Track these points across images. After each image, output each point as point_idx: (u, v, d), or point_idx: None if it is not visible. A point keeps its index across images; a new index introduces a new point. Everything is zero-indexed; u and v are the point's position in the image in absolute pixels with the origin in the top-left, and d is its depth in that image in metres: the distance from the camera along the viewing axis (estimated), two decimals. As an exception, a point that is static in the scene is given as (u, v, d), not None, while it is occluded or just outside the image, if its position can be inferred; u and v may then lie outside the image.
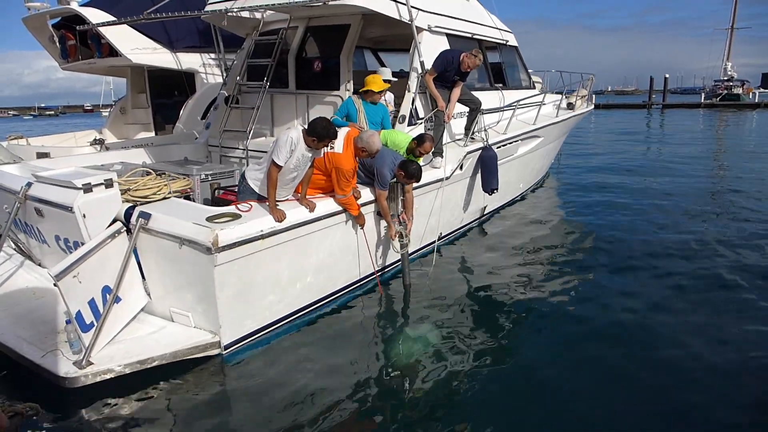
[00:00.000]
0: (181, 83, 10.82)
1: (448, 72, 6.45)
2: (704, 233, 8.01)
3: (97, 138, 10.31)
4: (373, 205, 5.51)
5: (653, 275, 6.27)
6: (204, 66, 10.56)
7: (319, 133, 4.45)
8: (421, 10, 6.74)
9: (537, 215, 9.11)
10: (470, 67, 6.39)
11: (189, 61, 10.46)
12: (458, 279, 6.34)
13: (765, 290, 5.83)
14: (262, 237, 4.30)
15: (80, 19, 8.80)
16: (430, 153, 6.45)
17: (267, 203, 4.55)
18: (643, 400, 3.93)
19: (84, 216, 4.27)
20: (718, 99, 52.53)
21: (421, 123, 6.63)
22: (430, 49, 6.73)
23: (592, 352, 4.59)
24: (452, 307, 5.44)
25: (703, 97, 55.13)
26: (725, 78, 60.44)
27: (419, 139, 5.68)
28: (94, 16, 8.82)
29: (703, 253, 7.03)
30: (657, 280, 6.12)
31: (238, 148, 7.44)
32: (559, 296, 5.74)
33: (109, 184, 4.46)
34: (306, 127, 4.59)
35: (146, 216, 4.21)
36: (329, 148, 4.88)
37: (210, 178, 5.85)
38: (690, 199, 10.34)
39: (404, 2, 6.40)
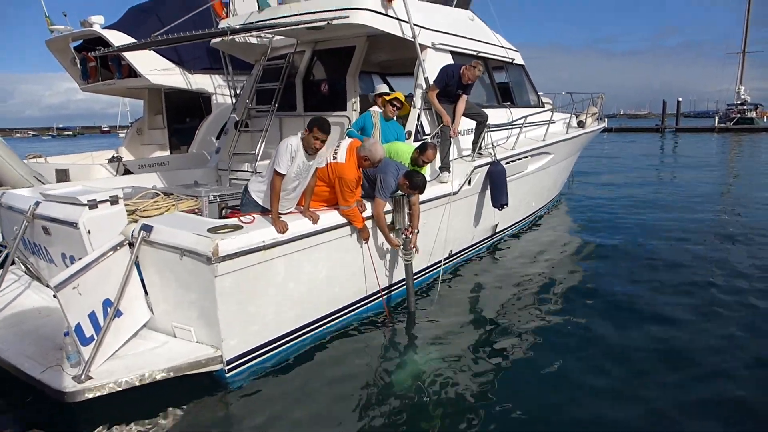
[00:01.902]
0: (197, 104, 11.07)
1: (450, 86, 6.47)
2: (724, 261, 7.59)
3: (115, 156, 10.52)
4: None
5: (669, 306, 5.87)
6: (218, 87, 10.79)
7: (310, 124, 4.47)
8: (424, 27, 6.82)
9: (550, 238, 8.92)
10: (471, 79, 6.40)
11: (204, 82, 10.72)
12: (467, 302, 6.17)
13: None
14: (264, 248, 4.25)
15: (101, 41, 9.08)
16: (438, 168, 6.44)
17: (270, 215, 4.52)
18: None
19: (89, 232, 4.30)
20: (731, 123, 52.16)
21: (427, 138, 6.62)
22: (434, 66, 6.77)
23: (599, 384, 4.32)
24: (459, 333, 5.27)
25: (716, 120, 54.82)
26: (738, 102, 60.04)
27: (421, 148, 5.66)
28: (116, 38, 9.12)
29: (722, 281, 6.65)
30: (672, 311, 5.73)
31: (246, 171, 7.50)
32: (570, 327, 5.41)
33: (114, 200, 4.50)
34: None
35: (148, 228, 4.20)
36: (332, 158, 4.87)
37: (218, 199, 5.89)
38: (707, 225, 9.98)
39: (407, 20, 6.48)
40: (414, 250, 5.54)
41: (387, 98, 6.22)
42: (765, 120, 53.88)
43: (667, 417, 3.87)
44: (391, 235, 5.43)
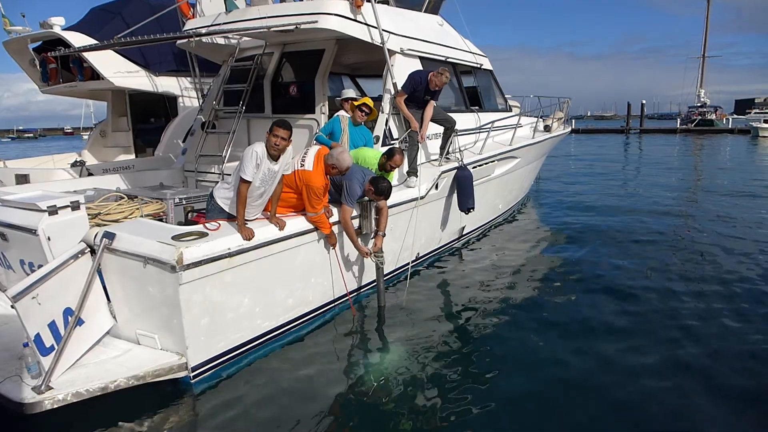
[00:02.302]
0: (163, 107, 10.88)
1: (418, 92, 6.54)
2: (684, 249, 8.12)
3: (78, 160, 10.25)
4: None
5: (632, 297, 6.16)
6: (184, 89, 10.63)
7: (270, 128, 4.49)
8: (393, 33, 6.87)
9: (516, 237, 9.12)
10: (438, 86, 6.48)
11: (170, 84, 10.53)
12: (434, 300, 6.27)
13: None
14: (230, 255, 4.25)
15: (61, 43, 8.84)
16: (405, 173, 6.52)
17: (236, 222, 4.51)
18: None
19: (49, 239, 4.20)
20: (693, 125, 53.86)
21: (396, 143, 6.68)
22: (403, 71, 6.83)
23: (564, 374, 4.48)
24: (427, 329, 5.36)
25: (678, 122, 56.48)
26: (699, 104, 62.14)
27: (389, 153, 5.72)
28: (77, 40, 8.89)
29: (684, 269, 7.10)
30: (635, 300, 6.05)
31: (213, 173, 7.43)
32: (536, 320, 5.57)
33: (75, 206, 4.41)
34: None
35: (110, 236, 4.15)
36: (299, 165, 4.89)
37: (184, 202, 5.82)
38: (668, 220, 10.45)
39: (376, 26, 6.52)
40: (380, 254, 5.60)
41: (356, 103, 6.25)
42: (724, 122, 55.68)
43: (645, 398, 4.10)
44: (359, 241, 5.48)
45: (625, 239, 8.87)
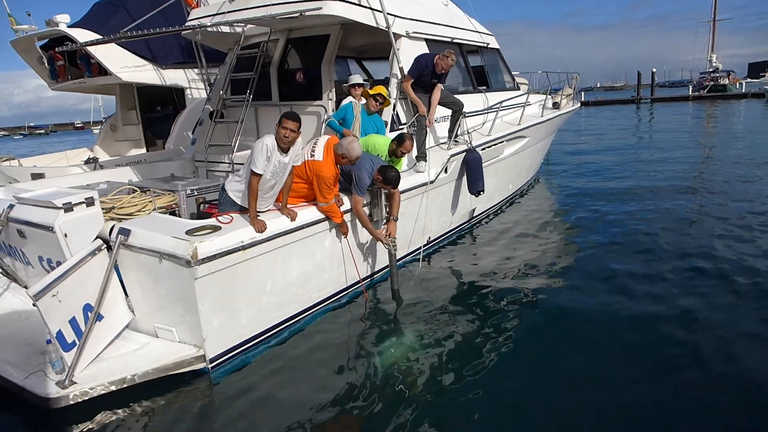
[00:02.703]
0: (171, 98, 10.90)
1: (424, 76, 6.49)
2: (699, 231, 7.89)
3: (91, 157, 10.35)
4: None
5: (648, 279, 6.02)
6: (192, 81, 10.64)
7: (280, 118, 4.50)
8: (398, 16, 6.79)
9: (527, 217, 9.08)
10: (444, 69, 6.42)
11: (177, 77, 10.55)
12: (446, 284, 6.31)
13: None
14: (243, 248, 4.29)
15: (68, 40, 8.87)
16: (414, 157, 6.50)
17: (248, 214, 4.55)
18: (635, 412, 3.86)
19: (65, 235, 4.27)
20: (705, 91, 52.75)
21: (404, 128, 6.66)
22: (409, 55, 6.77)
23: (578, 361, 4.45)
24: (439, 313, 5.41)
25: (690, 89, 55.31)
26: (711, 70, 60.85)
27: (399, 139, 5.70)
28: (83, 36, 8.90)
29: (701, 251, 6.86)
30: (651, 285, 5.88)
31: (223, 162, 7.45)
32: (550, 302, 5.58)
33: (90, 202, 4.46)
34: None
35: (126, 232, 4.21)
36: (309, 155, 4.90)
37: (195, 193, 5.86)
38: (681, 195, 10.30)
39: (380, 10, 6.44)
40: (394, 240, 5.63)
41: (371, 92, 6.19)
42: (737, 86, 54.44)
43: (660, 395, 3.98)
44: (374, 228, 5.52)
45: (640, 217, 8.76)
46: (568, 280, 6.16)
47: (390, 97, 6.50)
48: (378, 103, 6.21)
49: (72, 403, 3.71)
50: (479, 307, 5.61)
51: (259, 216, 4.56)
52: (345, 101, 6.66)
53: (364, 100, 6.37)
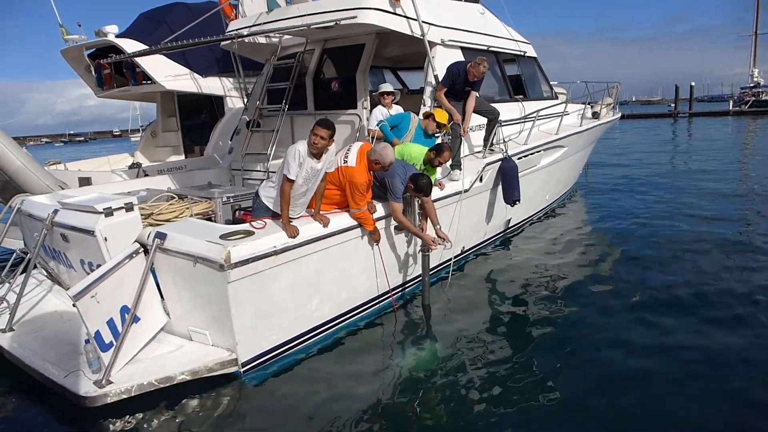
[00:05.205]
0: (209, 106, 11.20)
1: (457, 84, 6.44)
2: (741, 255, 7.38)
3: (134, 162, 10.73)
4: (386, 220, 5.47)
5: (686, 303, 5.69)
6: (229, 90, 10.91)
7: (314, 124, 4.51)
8: (433, 24, 6.79)
9: (564, 230, 8.85)
10: (476, 76, 6.34)
11: (215, 86, 10.84)
12: (479, 295, 6.20)
13: None
14: (276, 253, 4.32)
15: (114, 49, 9.23)
16: (449, 166, 6.44)
17: (281, 220, 4.58)
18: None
19: (106, 239, 4.38)
20: (746, 106, 50.77)
21: (439, 137, 6.61)
22: (444, 63, 6.73)
23: (612, 383, 4.26)
24: (470, 327, 5.28)
25: (731, 104, 53.33)
26: (752, 84, 58.61)
27: (438, 149, 5.66)
28: (129, 46, 9.26)
29: (742, 278, 6.35)
30: (691, 309, 5.55)
31: (259, 171, 7.57)
32: (584, 322, 5.35)
33: (129, 208, 4.57)
34: None
35: (162, 236, 4.29)
36: (343, 162, 4.91)
37: (231, 200, 5.96)
38: (725, 211, 9.81)
39: (415, 18, 6.45)
40: (446, 242, 5.64)
41: (437, 119, 6.14)
42: (780, 102, 52.12)
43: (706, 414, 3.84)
44: (420, 231, 5.52)
45: (682, 232, 8.41)
46: (603, 300, 5.86)
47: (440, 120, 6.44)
48: (437, 129, 6.20)
49: (108, 402, 3.78)
50: (512, 322, 5.47)
51: (291, 222, 4.58)
52: (375, 110, 6.68)
53: (421, 117, 6.34)
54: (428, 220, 5.65)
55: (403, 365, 4.61)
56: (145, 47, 8.61)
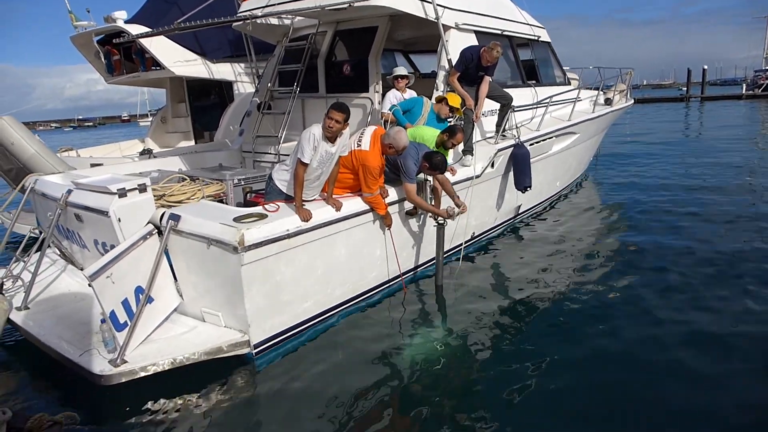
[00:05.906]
0: (219, 92, 11.16)
1: (470, 69, 6.37)
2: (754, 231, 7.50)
3: (146, 149, 10.77)
4: (398, 204, 5.47)
5: (698, 290, 5.64)
6: (239, 75, 10.85)
7: (329, 108, 4.49)
8: (447, 8, 6.70)
9: (574, 216, 8.81)
10: (489, 61, 6.27)
11: (225, 71, 10.81)
12: (489, 281, 6.20)
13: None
14: (288, 236, 4.32)
15: (124, 35, 9.21)
16: (461, 151, 6.41)
17: (294, 203, 4.58)
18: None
19: (119, 220, 4.41)
20: (760, 90, 49.72)
21: (451, 121, 6.56)
22: (458, 47, 6.66)
23: (617, 371, 4.25)
24: (480, 312, 5.30)
25: (744, 87, 52.23)
26: (766, 68, 57.28)
27: (451, 131, 5.62)
28: (139, 31, 9.22)
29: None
30: (701, 297, 5.49)
31: (270, 153, 7.56)
32: (595, 307, 5.33)
33: (142, 188, 4.59)
34: None
35: (176, 218, 4.30)
36: (356, 145, 4.89)
37: (243, 183, 5.97)
38: (739, 198, 9.73)
39: (429, 1, 6.36)
40: (461, 209, 5.69)
41: (450, 103, 6.17)
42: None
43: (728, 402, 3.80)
44: (434, 207, 5.57)
45: (692, 219, 8.35)
46: (612, 286, 5.81)
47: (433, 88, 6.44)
48: (450, 114, 6.19)
49: (122, 381, 3.82)
50: (521, 308, 5.46)
51: (304, 205, 4.58)
52: (389, 93, 6.63)
53: (434, 101, 6.31)
54: (442, 196, 5.66)
55: (414, 347, 4.63)
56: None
